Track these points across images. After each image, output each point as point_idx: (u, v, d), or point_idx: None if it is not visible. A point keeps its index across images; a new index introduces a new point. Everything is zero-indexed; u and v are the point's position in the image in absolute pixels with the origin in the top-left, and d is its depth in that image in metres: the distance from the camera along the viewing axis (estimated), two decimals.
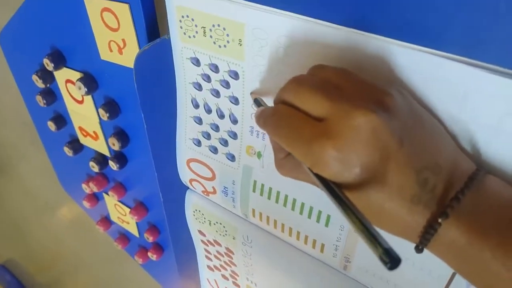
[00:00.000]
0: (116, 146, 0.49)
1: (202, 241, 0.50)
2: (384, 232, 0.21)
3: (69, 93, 0.51)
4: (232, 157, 0.37)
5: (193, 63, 0.34)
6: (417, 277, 0.31)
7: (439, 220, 0.20)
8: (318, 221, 0.35)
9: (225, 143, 0.37)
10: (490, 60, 0.22)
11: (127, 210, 0.59)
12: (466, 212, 0.21)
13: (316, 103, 0.21)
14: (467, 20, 0.21)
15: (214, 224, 0.45)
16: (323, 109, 0.21)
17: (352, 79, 0.22)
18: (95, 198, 0.64)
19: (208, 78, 0.34)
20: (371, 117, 0.20)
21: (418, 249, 0.22)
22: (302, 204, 0.35)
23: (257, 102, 0.30)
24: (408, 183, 0.20)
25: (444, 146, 0.23)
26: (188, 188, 0.46)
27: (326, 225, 0.34)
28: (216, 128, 0.37)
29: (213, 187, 0.42)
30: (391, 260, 0.17)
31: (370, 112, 0.20)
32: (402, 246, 0.30)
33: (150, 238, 0.58)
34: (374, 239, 0.18)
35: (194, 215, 0.47)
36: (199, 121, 0.38)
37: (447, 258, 0.22)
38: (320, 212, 0.34)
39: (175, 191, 0.47)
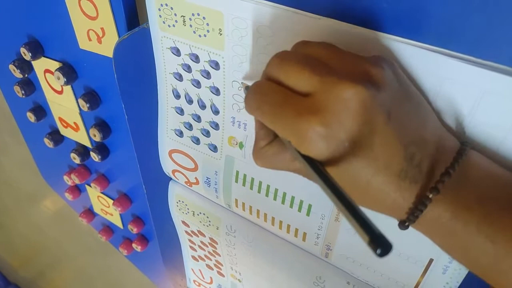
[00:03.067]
0: (98, 137, 0.48)
1: (186, 231, 0.50)
2: (368, 210, 0.21)
3: (48, 83, 0.50)
4: (214, 148, 0.37)
5: (173, 53, 0.33)
6: (395, 263, 0.32)
7: (430, 196, 0.20)
8: (299, 210, 0.35)
9: (207, 133, 0.37)
10: (462, 50, 0.22)
11: (111, 201, 0.59)
12: (451, 187, 0.20)
13: (301, 77, 0.20)
14: (441, 12, 0.22)
15: (198, 214, 0.45)
16: (309, 83, 0.20)
17: (338, 53, 0.22)
18: (78, 190, 0.63)
19: (188, 68, 0.34)
20: (359, 89, 0.19)
21: (404, 226, 0.22)
22: (284, 194, 0.35)
23: (247, 89, 0.29)
24: (396, 158, 0.20)
25: (430, 121, 0.22)
26: (171, 179, 0.46)
27: (308, 214, 0.35)
28: (198, 118, 0.36)
29: (195, 178, 0.42)
30: (382, 246, 0.16)
31: (358, 85, 0.19)
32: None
33: (134, 230, 0.57)
34: (363, 224, 0.17)
35: (177, 206, 0.47)
36: (180, 111, 0.37)
37: (431, 234, 0.22)
38: (301, 201, 0.34)
39: (158, 182, 0.47)
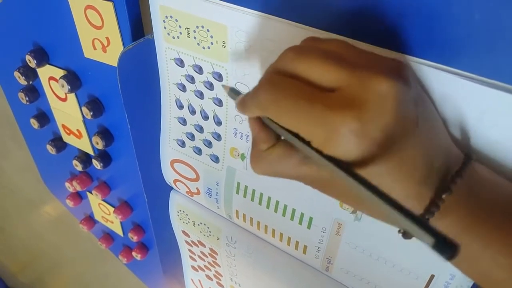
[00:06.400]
0: (100, 145, 0.48)
1: (186, 241, 0.50)
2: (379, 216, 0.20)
3: (52, 90, 0.50)
4: (216, 159, 0.37)
5: (177, 64, 0.34)
6: (396, 278, 0.31)
7: (443, 197, 0.19)
8: (300, 223, 0.35)
9: (209, 144, 0.37)
10: (464, 68, 0.22)
11: (111, 209, 0.59)
12: (463, 197, 0.20)
13: (325, 71, 0.19)
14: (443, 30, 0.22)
15: (198, 224, 0.45)
16: (336, 78, 0.18)
17: (355, 50, 0.20)
18: (79, 197, 0.63)
19: (192, 79, 0.34)
20: (394, 84, 0.17)
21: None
22: (285, 206, 0.35)
23: (234, 91, 0.26)
24: (420, 163, 0.19)
25: (441, 128, 0.22)
26: (172, 188, 0.46)
27: (309, 227, 0.35)
28: (200, 129, 0.37)
29: (197, 188, 0.42)
30: (450, 248, 0.15)
31: (393, 79, 0.18)
32: (379, 247, 0.31)
33: (134, 238, 0.57)
34: (424, 226, 0.15)
35: (178, 215, 0.47)
36: (183, 122, 0.37)
37: None
38: (302, 214, 0.34)
39: (159, 191, 0.47)
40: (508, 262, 0.19)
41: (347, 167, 0.18)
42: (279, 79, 0.20)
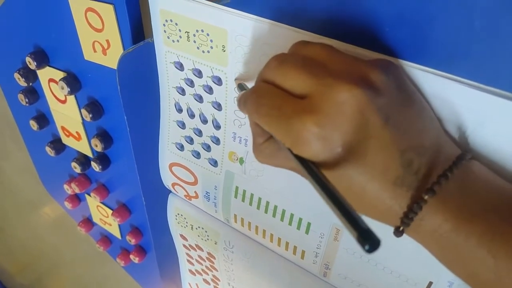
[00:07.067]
0: (99, 147, 0.48)
1: (184, 245, 0.50)
2: (364, 216, 0.20)
3: (52, 92, 0.50)
4: (214, 163, 0.37)
5: (176, 68, 0.34)
6: (394, 285, 0.31)
7: (425, 197, 0.20)
8: (298, 228, 0.35)
9: (207, 148, 0.37)
10: (465, 74, 0.22)
11: (110, 211, 0.58)
12: (452, 197, 0.20)
13: (298, 80, 0.20)
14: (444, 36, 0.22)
15: (196, 228, 0.45)
16: (305, 85, 0.20)
17: (337, 55, 0.21)
18: (77, 199, 0.63)
19: (191, 83, 0.34)
20: (355, 92, 0.19)
21: (399, 231, 0.21)
22: (283, 211, 0.35)
23: (241, 87, 0.29)
24: (392, 164, 0.20)
25: (432, 128, 0.22)
26: (170, 191, 0.46)
27: (307, 232, 0.34)
28: (199, 133, 0.37)
29: (195, 192, 0.41)
30: (370, 241, 0.16)
31: (355, 87, 0.19)
32: (377, 253, 0.30)
33: (132, 241, 0.57)
34: (351, 220, 0.17)
35: (176, 219, 0.47)
36: (182, 125, 0.37)
37: (430, 245, 0.21)
38: (300, 219, 0.34)
39: (158, 195, 0.47)
40: (497, 264, 0.19)
41: (309, 164, 0.20)
42: (261, 87, 0.22)
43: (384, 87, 0.20)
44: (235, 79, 0.31)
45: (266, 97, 0.21)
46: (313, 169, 0.20)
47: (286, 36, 0.26)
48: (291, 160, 0.23)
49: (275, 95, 0.21)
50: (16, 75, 0.49)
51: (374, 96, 0.19)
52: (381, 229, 0.21)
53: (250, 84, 0.30)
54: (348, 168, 0.20)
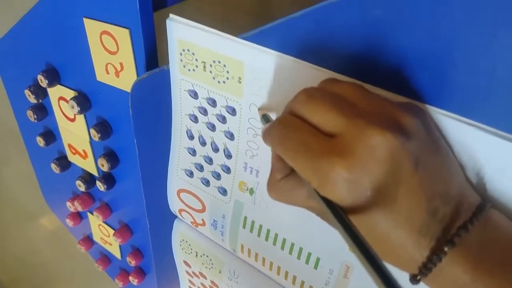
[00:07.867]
0: (105, 167, 0.48)
1: (187, 272, 0.49)
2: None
3: (61, 110, 0.50)
4: (224, 191, 0.37)
5: (190, 96, 0.33)
6: None
7: (445, 249, 0.19)
8: (307, 262, 0.34)
9: (217, 176, 0.36)
10: (487, 122, 0.22)
11: (111, 231, 0.57)
12: (472, 248, 0.20)
13: (328, 117, 0.20)
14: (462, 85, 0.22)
15: (201, 256, 0.44)
16: (336, 124, 0.19)
17: (367, 96, 0.21)
18: (79, 217, 0.62)
19: (204, 111, 0.33)
20: (388, 137, 0.18)
21: (416, 280, 0.20)
22: (292, 244, 0.34)
23: (265, 118, 0.28)
24: (418, 211, 0.19)
25: (456, 175, 0.22)
26: (176, 217, 0.45)
27: (315, 267, 0.34)
28: (210, 161, 0.36)
29: (202, 219, 0.41)
30: None
31: (387, 132, 0.18)
32: None
33: (132, 262, 0.56)
34: (386, 280, 0.16)
35: (181, 245, 0.46)
36: (193, 152, 0.37)
37: None
38: (309, 253, 0.33)
39: (163, 219, 0.46)
40: None
41: (337, 210, 0.19)
42: (289, 120, 0.21)
43: (415, 132, 0.19)
44: (259, 109, 0.30)
45: (293, 130, 0.20)
46: (341, 214, 0.19)
47: (303, 72, 0.26)
48: (310, 200, 0.23)
49: (303, 129, 0.20)
50: (27, 92, 0.49)
51: (406, 141, 0.19)
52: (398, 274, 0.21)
53: (272, 116, 0.29)
54: (376, 213, 0.19)
